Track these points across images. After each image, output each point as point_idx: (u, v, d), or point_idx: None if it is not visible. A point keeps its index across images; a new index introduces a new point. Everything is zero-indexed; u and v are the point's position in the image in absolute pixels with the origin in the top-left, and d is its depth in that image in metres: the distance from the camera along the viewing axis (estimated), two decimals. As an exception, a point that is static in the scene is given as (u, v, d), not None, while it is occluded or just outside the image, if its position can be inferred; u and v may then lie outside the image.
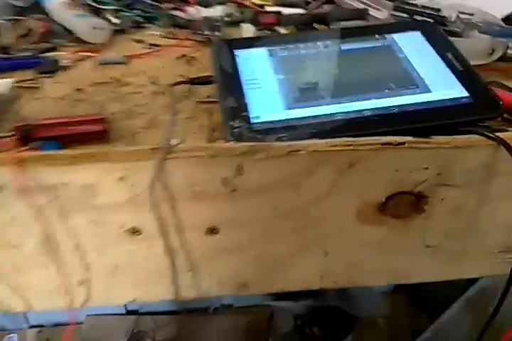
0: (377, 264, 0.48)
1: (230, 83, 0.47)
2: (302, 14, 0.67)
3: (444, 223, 0.44)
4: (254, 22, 0.64)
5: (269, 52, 0.52)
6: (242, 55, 0.51)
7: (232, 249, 0.43)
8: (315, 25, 0.64)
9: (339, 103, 0.44)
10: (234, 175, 0.37)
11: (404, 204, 0.44)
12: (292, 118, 0.43)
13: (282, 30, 0.64)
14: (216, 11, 0.66)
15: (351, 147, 0.37)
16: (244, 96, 0.46)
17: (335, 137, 0.40)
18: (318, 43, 0.52)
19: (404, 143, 0.38)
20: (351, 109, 0.44)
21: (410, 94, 0.45)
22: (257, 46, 0.52)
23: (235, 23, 0.65)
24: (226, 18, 0.65)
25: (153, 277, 0.42)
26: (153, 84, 0.51)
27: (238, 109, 0.44)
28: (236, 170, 0.36)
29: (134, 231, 0.40)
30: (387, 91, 0.46)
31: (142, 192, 0.36)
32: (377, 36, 0.53)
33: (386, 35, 0.53)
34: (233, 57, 0.51)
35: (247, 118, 0.43)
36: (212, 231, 0.42)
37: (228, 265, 0.45)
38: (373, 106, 0.44)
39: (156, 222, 0.38)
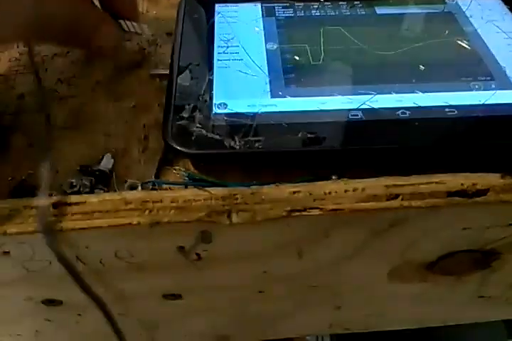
0: (406, 314, 0.33)
1: (195, 49, 0.30)
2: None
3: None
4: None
5: (265, 10, 0.34)
6: (225, 11, 0.34)
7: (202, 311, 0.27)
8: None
9: (360, 94, 0.27)
10: (196, 243, 0.20)
11: (465, 262, 0.27)
12: (280, 112, 0.26)
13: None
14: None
15: (398, 204, 0.20)
16: (212, 72, 0.28)
17: (347, 147, 0.24)
18: (341, 3, 0.34)
19: (486, 192, 0.20)
20: (378, 105, 0.26)
21: (480, 90, 0.27)
22: (249, 0, 0.35)
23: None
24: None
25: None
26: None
27: (195, 91, 0.27)
28: (199, 238, 0.20)
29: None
30: (441, 82, 0.28)
31: (46, 267, 0.20)
32: (431, -2, 0.35)
33: (446, -2, 0.35)
34: (211, 14, 0.33)
35: (206, 106, 0.26)
36: (174, 296, 0.25)
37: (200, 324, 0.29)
38: (415, 104, 0.26)
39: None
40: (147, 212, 0.20)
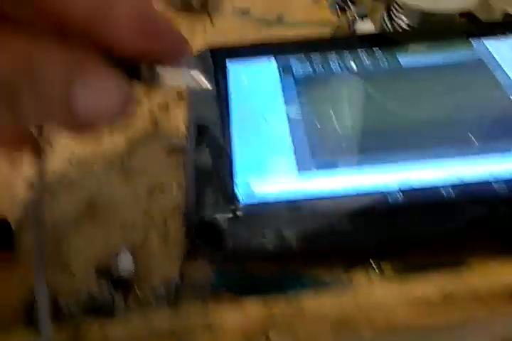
0: None
1: (210, 117, 0.28)
2: None
3: None
4: None
5: (281, 66, 0.31)
6: (237, 69, 0.32)
7: None
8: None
9: (394, 168, 0.25)
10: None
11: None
12: (310, 194, 0.24)
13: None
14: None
15: (454, 310, 0.18)
16: (231, 145, 0.26)
17: (386, 238, 0.22)
18: (361, 54, 0.32)
19: None
20: (417, 182, 0.24)
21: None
22: (262, 55, 0.32)
23: None
24: None
25: None
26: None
27: (215, 169, 0.25)
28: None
29: None
30: (481, 147, 0.25)
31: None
32: (457, 42, 0.32)
33: (473, 40, 0.32)
34: (224, 74, 0.31)
35: (228, 188, 0.24)
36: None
37: None
38: (457, 178, 0.24)
39: None
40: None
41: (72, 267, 0.24)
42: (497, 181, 0.23)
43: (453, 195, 0.23)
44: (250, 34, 0.40)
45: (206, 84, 0.13)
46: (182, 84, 0.13)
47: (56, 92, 0.12)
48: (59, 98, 0.12)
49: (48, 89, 0.12)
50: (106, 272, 0.23)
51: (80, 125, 0.13)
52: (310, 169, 0.25)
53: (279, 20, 0.41)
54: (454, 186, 0.23)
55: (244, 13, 0.42)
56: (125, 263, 0.23)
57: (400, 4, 0.35)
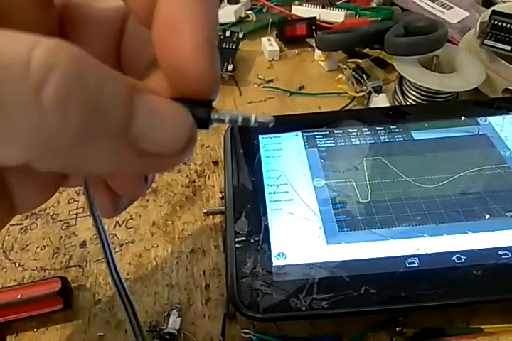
0: None
1: (246, 189, 0.32)
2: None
3: None
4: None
5: (307, 140, 0.35)
6: (269, 144, 0.35)
7: None
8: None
9: (412, 237, 0.28)
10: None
11: None
12: (338, 262, 0.27)
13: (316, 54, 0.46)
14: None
15: None
16: (266, 216, 0.30)
17: (408, 302, 0.25)
18: (378, 128, 0.36)
19: None
20: (432, 250, 0.27)
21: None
22: (289, 128, 0.37)
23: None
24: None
25: None
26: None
27: (253, 240, 0.28)
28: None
29: None
30: (489, 218, 0.29)
31: None
32: (463, 119, 0.36)
33: (478, 118, 0.36)
34: (256, 147, 0.35)
35: (265, 258, 0.27)
36: None
37: None
38: (468, 247, 0.27)
39: None
40: None
41: (125, 324, 0.27)
42: (502, 248, 0.27)
43: (463, 262, 0.26)
44: (274, 103, 0.44)
45: (269, 118, 0.14)
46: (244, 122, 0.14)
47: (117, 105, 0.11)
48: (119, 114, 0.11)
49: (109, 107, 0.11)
50: (155, 329, 0.26)
51: (141, 161, 0.12)
52: (337, 240, 0.29)
53: (300, 91, 0.46)
54: (464, 252, 0.27)
55: (269, 83, 0.46)
56: (173, 322, 0.26)
57: (411, 82, 0.40)
